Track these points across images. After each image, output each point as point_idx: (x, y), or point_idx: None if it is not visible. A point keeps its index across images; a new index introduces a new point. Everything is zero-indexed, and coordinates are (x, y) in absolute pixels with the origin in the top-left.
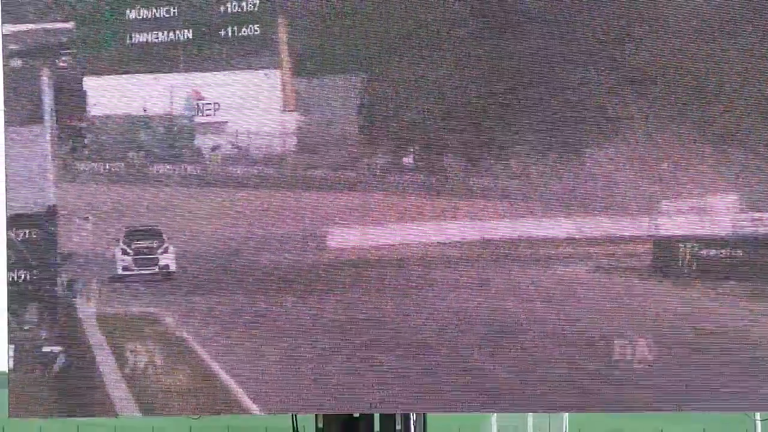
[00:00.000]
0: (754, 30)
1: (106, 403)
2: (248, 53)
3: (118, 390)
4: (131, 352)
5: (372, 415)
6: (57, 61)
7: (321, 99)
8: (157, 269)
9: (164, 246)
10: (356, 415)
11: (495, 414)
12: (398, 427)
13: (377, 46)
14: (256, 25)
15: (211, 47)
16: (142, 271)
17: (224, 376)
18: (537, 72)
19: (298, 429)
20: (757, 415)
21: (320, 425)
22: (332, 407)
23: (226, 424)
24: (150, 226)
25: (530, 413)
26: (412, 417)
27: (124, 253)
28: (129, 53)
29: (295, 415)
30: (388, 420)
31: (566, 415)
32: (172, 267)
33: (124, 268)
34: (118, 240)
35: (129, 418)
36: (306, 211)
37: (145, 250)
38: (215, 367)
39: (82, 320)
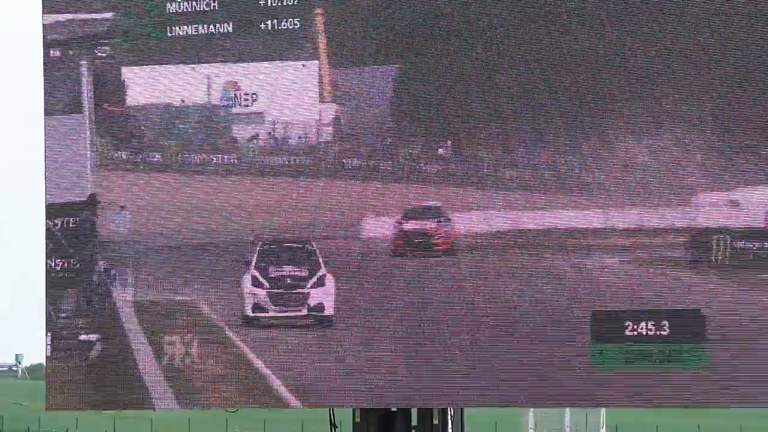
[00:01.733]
0: None
1: (143, 396)
2: (287, 45)
3: (155, 383)
4: (169, 343)
5: (409, 410)
6: (95, 51)
7: (357, 89)
8: (305, 311)
9: (319, 275)
10: (393, 409)
11: (532, 409)
12: (435, 422)
13: (413, 37)
14: (296, 19)
15: (250, 40)
16: (284, 314)
17: (263, 369)
18: (571, 63)
19: (335, 423)
20: None
21: (357, 419)
22: (370, 402)
23: (262, 417)
24: (299, 244)
25: (568, 408)
26: (450, 412)
27: (256, 283)
28: (168, 44)
29: (333, 409)
30: (425, 414)
31: (603, 410)
32: (329, 309)
33: (256, 307)
34: (248, 264)
35: (166, 410)
36: (341, 201)
37: (288, 280)
38: (254, 359)
39: (119, 310)
